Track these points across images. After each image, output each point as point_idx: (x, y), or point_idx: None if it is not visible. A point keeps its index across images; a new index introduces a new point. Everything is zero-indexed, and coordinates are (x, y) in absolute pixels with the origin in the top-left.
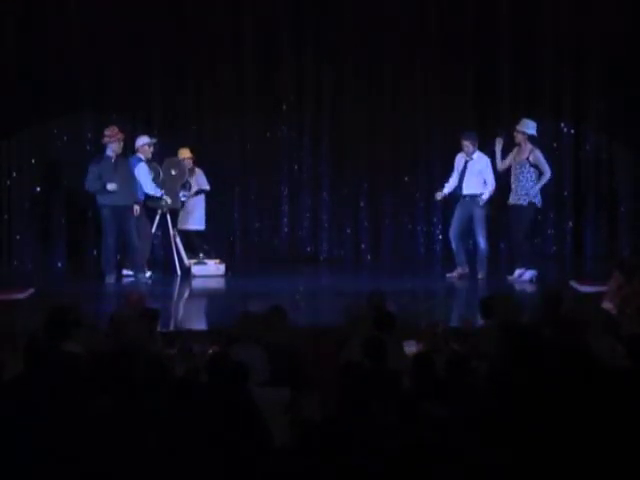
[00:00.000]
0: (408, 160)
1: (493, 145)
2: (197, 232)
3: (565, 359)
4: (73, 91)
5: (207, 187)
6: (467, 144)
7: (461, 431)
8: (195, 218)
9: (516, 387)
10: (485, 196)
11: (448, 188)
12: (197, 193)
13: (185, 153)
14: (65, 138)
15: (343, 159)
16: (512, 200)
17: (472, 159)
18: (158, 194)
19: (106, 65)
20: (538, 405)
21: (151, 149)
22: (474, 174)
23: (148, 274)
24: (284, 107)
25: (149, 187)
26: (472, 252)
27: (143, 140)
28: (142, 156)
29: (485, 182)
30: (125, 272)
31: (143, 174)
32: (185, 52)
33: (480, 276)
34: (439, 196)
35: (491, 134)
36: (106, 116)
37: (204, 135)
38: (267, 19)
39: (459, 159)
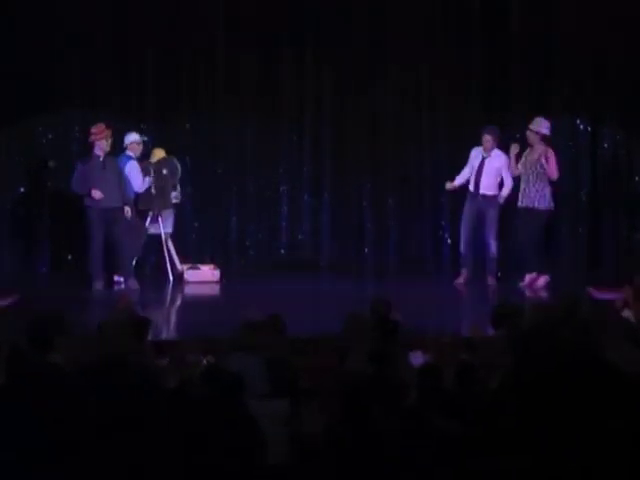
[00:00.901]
0: (414, 159)
1: (504, 146)
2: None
3: (580, 367)
4: (59, 86)
5: None
6: (489, 139)
7: (469, 445)
8: (166, 222)
9: (527, 397)
10: (505, 193)
11: (459, 180)
12: None
13: (160, 153)
14: (50, 136)
15: (345, 157)
16: (523, 203)
17: (490, 156)
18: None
19: (95, 59)
20: (549, 417)
21: (140, 147)
22: (492, 173)
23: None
24: (283, 104)
25: (140, 186)
26: (481, 254)
27: (132, 137)
28: (132, 154)
29: (502, 181)
30: (116, 278)
31: (134, 172)
32: (180, 47)
33: (490, 281)
34: (449, 186)
35: (502, 132)
36: (94, 113)
37: (199, 133)
38: (266, 17)
39: (476, 154)
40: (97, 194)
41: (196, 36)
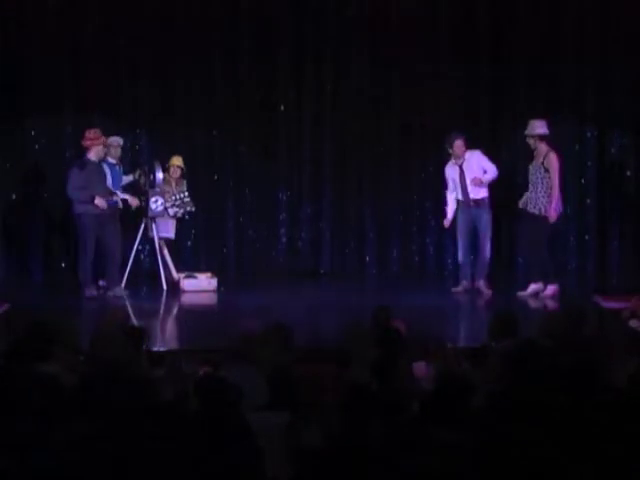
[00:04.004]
0: (417, 165)
1: (508, 152)
2: (167, 241)
3: (580, 387)
4: (53, 90)
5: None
6: (460, 144)
7: (473, 458)
8: (166, 225)
9: (524, 410)
10: (488, 177)
11: (451, 211)
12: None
13: (176, 160)
14: (44, 141)
15: (346, 164)
16: (529, 208)
17: (464, 160)
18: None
19: (90, 63)
20: (546, 433)
21: (119, 150)
22: (475, 173)
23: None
24: (282, 107)
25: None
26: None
27: (110, 139)
28: (110, 159)
29: (485, 172)
30: (101, 283)
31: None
32: (176, 50)
33: (482, 286)
34: (447, 223)
35: (507, 140)
36: (88, 117)
37: (195, 137)
38: (265, 19)
39: (451, 169)
40: (101, 202)
41: (189, 34)
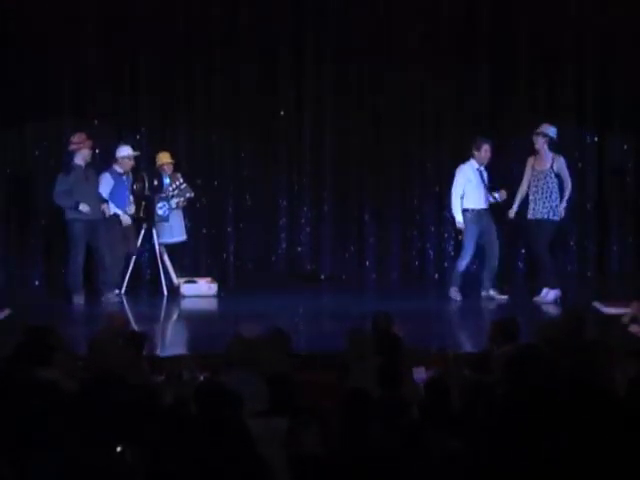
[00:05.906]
0: (417, 171)
1: (506, 156)
2: (178, 244)
3: (578, 394)
4: (51, 95)
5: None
6: (488, 149)
7: (473, 463)
8: (175, 229)
9: (524, 418)
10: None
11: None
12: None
13: (165, 158)
14: (43, 145)
15: (346, 169)
16: (532, 214)
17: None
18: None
19: (89, 67)
20: (546, 438)
21: (131, 162)
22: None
23: (116, 292)
24: (282, 113)
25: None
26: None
27: (124, 152)
28: (119, 169)
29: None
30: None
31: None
32: (176, 54)
33: (492, 294)
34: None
35: (507, 144)
36: (88, 122)
37: (195, 142)
38: (265, 19)
39: (470, 170)
40: (85, 207)
41: (189, 38)
